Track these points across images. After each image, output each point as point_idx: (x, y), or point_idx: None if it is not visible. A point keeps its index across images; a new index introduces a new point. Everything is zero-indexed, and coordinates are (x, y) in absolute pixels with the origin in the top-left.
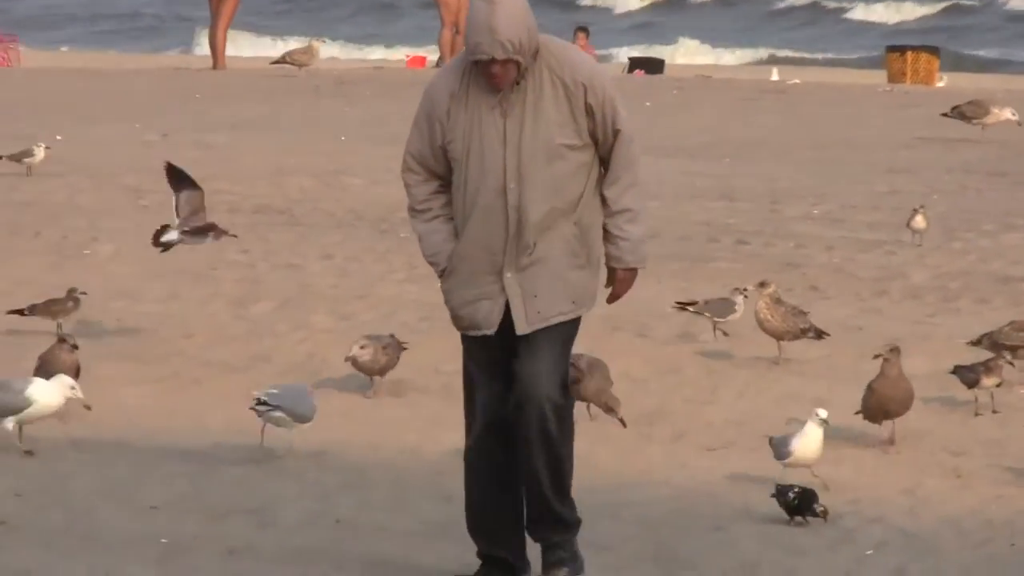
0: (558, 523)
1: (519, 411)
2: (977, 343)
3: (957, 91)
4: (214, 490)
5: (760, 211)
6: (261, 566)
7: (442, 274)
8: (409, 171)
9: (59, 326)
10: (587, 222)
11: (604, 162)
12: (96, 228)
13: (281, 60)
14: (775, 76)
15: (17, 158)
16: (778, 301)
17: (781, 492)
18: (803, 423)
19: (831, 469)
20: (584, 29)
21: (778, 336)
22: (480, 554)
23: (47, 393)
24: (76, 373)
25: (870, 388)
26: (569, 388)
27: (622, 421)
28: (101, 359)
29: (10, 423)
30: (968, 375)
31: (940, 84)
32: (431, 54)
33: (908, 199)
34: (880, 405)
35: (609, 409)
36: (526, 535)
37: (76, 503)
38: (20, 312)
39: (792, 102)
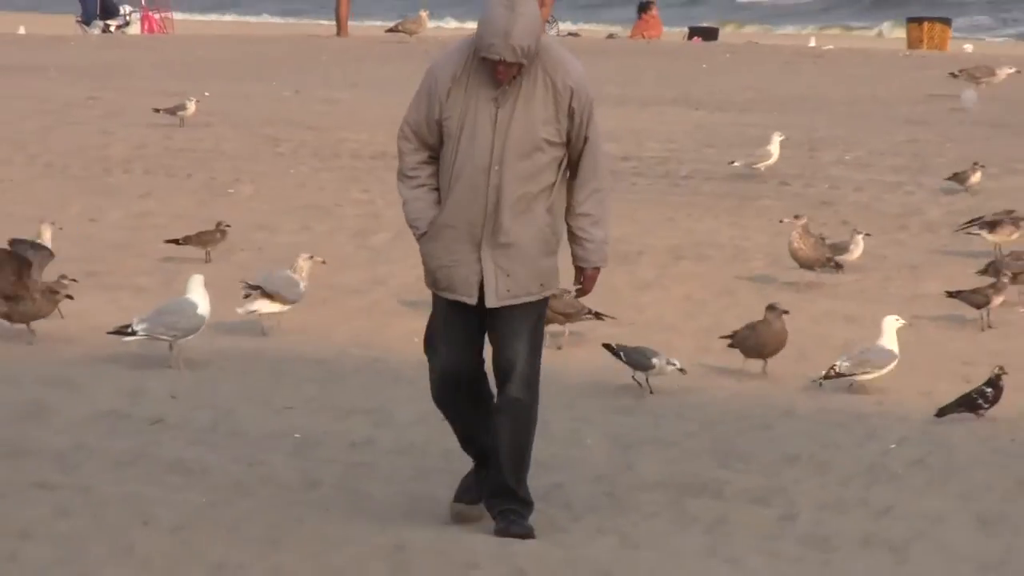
0: (513, 500)
1: (504, 388)
2: (984, 271)
3: (964, 55)
4: (339, 393)
5: (799, 157)
6: (380, 457)
7: (421, 237)
8: (404, 139)
9: (207, 254)
10: (557, 210)
11: (572, 165)
12: (238, 170)
13: (394, 28)
14: (812, 43)
15: (172, 111)
16: (808, 232)
17: None
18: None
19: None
20: (652, 3)
21: (808, 264)
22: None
23: (208, 308)
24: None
25: (753, 329)
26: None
27: (597, 315)
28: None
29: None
30: (976, 297)
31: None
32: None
33: (925, 147)
34: (756, 347)
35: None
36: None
37: (221, 404)
38: (175, 242)
39: (826, 64)
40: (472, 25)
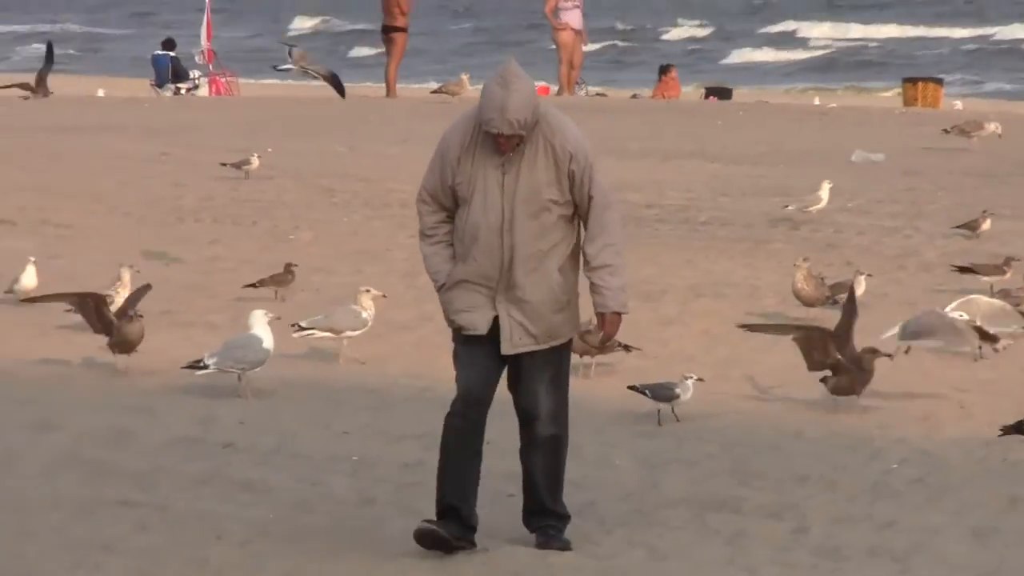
0: (552, 517)
1: (525, 425)
2: None
3: (955, 112)
4: (391, 419)
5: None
6: (429, 477)
7: (440, 288)
8: (423, 202)
9: (276, 293)
10: (568, 268)
11: (583, 222)
12: (298, 219)
13: (438, 90)
14: (817, 101)
15: (238, 165)
16: (811, 275)
17: None
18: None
19: (864, 400)
20: (671, 66)
21: (810, 303)
22: (438, 504)
23: (272, 342)
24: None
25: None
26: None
27: (626, 347)
28: (303, 318)
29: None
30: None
31: (957, 106)
32: (552, 84)
33: (920, 195)
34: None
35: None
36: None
37: (285, 429)
38: (253, 285)
39: (830, 121)
40: None
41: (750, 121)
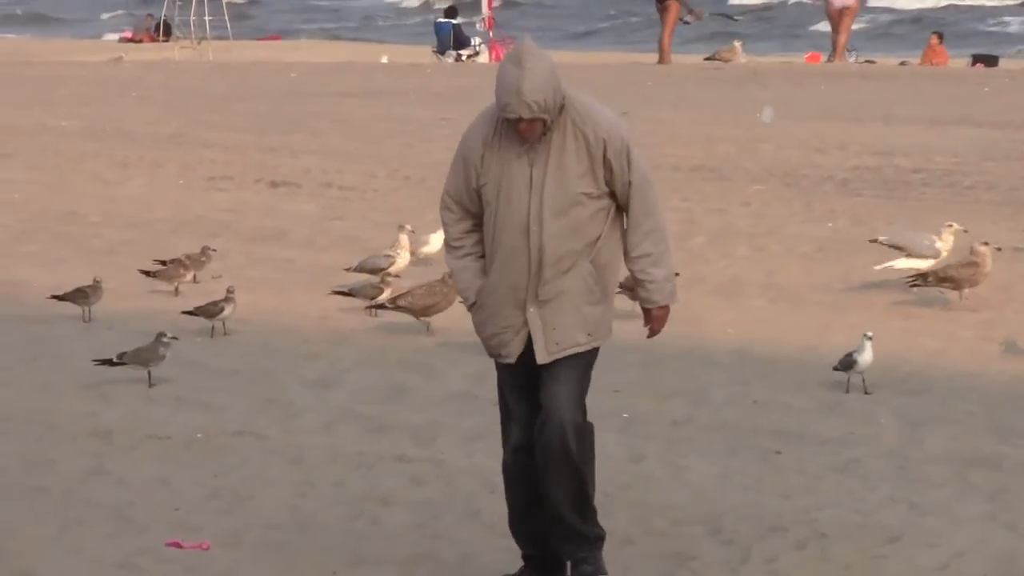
0: (582, 540)
1: (541, 433)
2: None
3: None
4: (660, 377)
5: None
6: (697, 433)
7: (471, 307)
8: (447, 209)
9: None
10: (603, 261)
11: (624, 210)
12: None
13: (711, 57)
14: None
15: None
16: None
17: None
18: None
19: None
20: (938, 33)
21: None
22: (523, 555)
23: None
24: None
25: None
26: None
27: None
28: None
29: None
30: None
31: None
32: (824, 53)
33: None
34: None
35: None
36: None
37: None
38: None
39: None
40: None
41: (1016, 87)
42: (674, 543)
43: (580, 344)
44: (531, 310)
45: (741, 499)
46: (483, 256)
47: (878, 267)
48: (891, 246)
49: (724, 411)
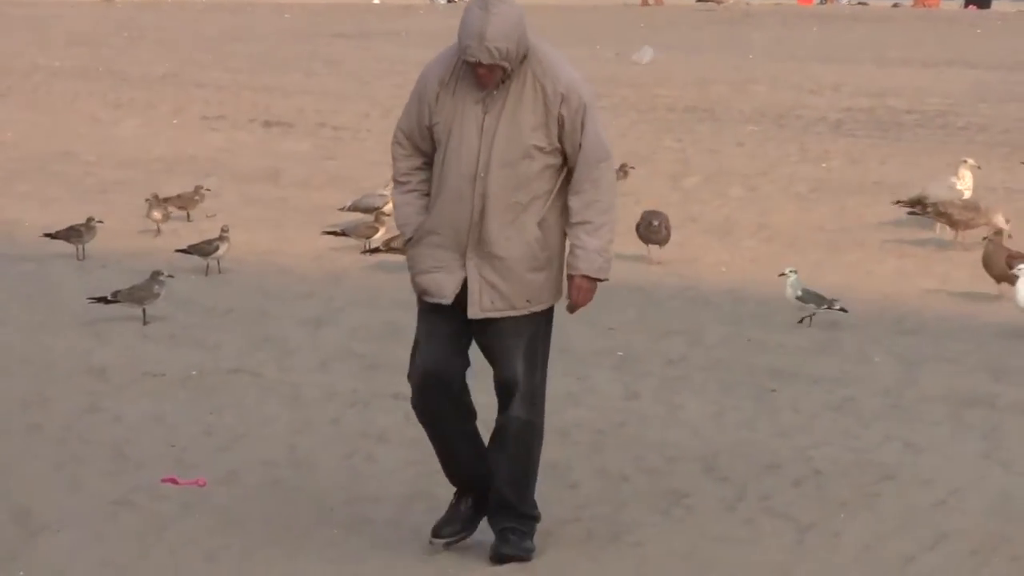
0: (513, 514)
1: (502, 408)
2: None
3: None
4: (656, 316)
5: None
6: (692, 372)
7: (407, 242)
8: (397, 144)
9: None
10: (551, 223)
11: (570, 174)
12: None
13: None
14: None
15: None
16: None
17: None
18: None
19: None
20: None
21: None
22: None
23: None
24: None
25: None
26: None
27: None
28: None
29: None
30: None
31: None
32: None
33: None
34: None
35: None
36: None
37: (555, 323)
38: None
39: None
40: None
41: (1008, 30)
42: (670, 481)
43: (516, 309)
44: (471, 259)
45: (736, 437)
46: (428, 195)
47: (908, 211)
48: (913, 202)
49: (719, 350)
